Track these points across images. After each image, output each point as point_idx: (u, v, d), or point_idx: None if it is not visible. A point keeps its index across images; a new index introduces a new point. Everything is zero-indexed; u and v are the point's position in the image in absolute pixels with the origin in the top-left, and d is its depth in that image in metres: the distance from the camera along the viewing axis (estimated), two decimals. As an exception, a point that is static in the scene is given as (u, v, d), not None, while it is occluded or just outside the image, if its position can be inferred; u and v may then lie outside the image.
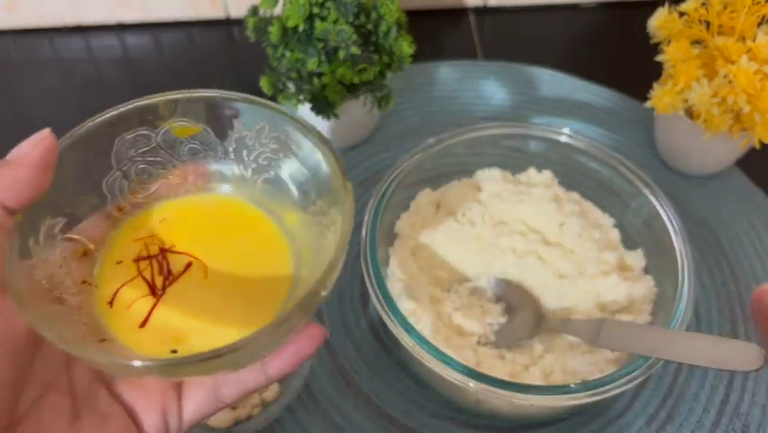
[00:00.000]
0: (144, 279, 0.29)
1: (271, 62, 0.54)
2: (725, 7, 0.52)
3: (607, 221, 0.52)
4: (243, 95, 0.30)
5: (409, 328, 0.40)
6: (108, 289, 0.28)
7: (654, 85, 0.55)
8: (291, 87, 0.53)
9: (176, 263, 0.29)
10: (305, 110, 0.54)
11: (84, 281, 0.28)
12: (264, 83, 0.54)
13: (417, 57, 0.55)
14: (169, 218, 0.31)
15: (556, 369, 0.44)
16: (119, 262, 0.29)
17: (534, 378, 0.43)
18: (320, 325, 0.27)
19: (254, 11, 0.53)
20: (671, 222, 0.47)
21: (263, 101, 0.30)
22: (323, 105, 0.52)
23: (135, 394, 0.27)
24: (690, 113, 0.54)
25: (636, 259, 0.50)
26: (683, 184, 0.59)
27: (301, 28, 0.50)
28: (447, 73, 0.68)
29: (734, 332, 0.50)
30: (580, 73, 0.68)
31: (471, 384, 0.38)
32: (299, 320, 0.25)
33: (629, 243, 0.51)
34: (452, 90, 0.67)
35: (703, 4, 0.53)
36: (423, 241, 0.50)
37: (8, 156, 0.25)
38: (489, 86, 0.67)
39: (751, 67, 0.49)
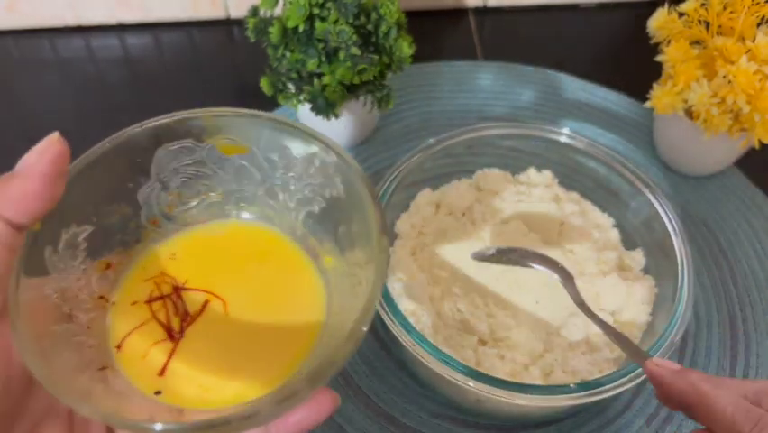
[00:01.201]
0: (159, 322, 0.27)
1: (271, 63, 0.54)
2: (724, 8, 0.52)
3: (606, 221, 0.53)
4: (299, 123, 0.28)
5: (409, 328, 0.40)
6: (119, 332, 0.26)
7: (654, 85, 0.55)
8: (291, 87, 0.53)
9: (193, 302, 0.27)
10: (305, 110, 0.54)
11: (101, 297, 0.27)
12: (264, 83, 0.54)
13: (417, 57, 0.55)
14: (181, 253, 0.29)
15: (556, 368, 0.44)
16: (134, 303, 0.27)
17: (534, 377, 0.43)
18: (331, 391, 0.25)
19: (254, 11, 0.53)
20: (670, 222, 0.47)
21: (318, 133, 0.28)
22: (323, 106, 0.52)
23: None
24: (689, 113, 0.54)
25: (636, 259, 0.50)
26: (683, 184, 0.59)
27: (301, 28, 0.50)
28: (447, 73, 0.68)
29: (733, 331, 0.50)
30: (580, 73, 0.68)
31: (471, 384, 0.38)
32: (308, 392, 0.23)
33: (629, 243, 0.51)
34: (452, 90, 0.67)
35: (703, 4, 0.53)
36: (423, 241, 0.50)
37: (16, 167, 0.23)
38: (489, 86, 0.68)
39: (750, 67, 0.49)
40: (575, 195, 0.54)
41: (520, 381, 0.43)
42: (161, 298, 0.27)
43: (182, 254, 0.29)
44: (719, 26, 0.53)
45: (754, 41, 0.50)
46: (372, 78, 0.53)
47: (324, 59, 0.51)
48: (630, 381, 0.39)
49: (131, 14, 0.73)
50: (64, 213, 0.25)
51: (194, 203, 0.30)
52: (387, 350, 0.48)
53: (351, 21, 0.50)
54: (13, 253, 0.23)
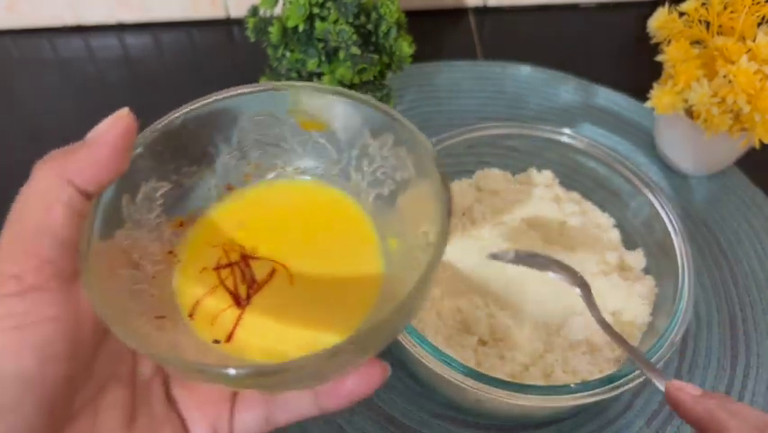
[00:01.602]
0: (227, 289, 0.27)
1: (271, 62, 0.54)
2: (725, 7, 0.52)
3: (607, 221, 0.52)
4: (378, 102, 0.28)
5: (409, 328, 0.40)
6: (189, 299, 0.27)
7: (654, 85, 0.55)
8: (291, 87, 0.53)
9: (259, 269, 0.28)
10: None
11: (170, 252, 0.28)
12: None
13: (417, 57, 0.55)
14: (249, 221, 0.29)
15: (556, 369, 0.44)
16: (203, 270, 0.28)
17: (534, 378, 0.43)
18: (382, 363, 0.25)
19: (254, 11, 0.53)
20: (671, 222, 0.47)
21: (396, 113, 0.27)
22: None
23: (189, 404, 0.26)
24: (689, 113, 0.54)
25: (637, 259, 0.50)
26: (683, 184, 0.59)
27: (301, 28, 0.50)
28: (447, 73, 0.68)
29: (733, 331, 0.50)
30: (580, 73, 0.68)
31: (471, 384, 0.38)
32: (353, 357, 0.23)
33: (629, 243, 0.51)
34: (452, 90, 0.67)
35: (703, 4, 0.53)
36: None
37: (86, 137, 0.24)
38: (489, 86, 0.67)
39: (751, 67, 0.49)
40: (575, 195, 0.54)
41: (520, 381, 0.43)
42: (229, 265, 0.28)
43: (250, 222, 0.30)
44: (720, 26, 0.53)
45: (754, 40, 0.50)
46: (372, 78, 0.53)
47: (323, 58, 0.51)
48: (631, 381, 0.39)
49: (130, 14, 0.73)
50: (146, 166, 0.26)
51: (270, 176, 0.31)
52: (387, 350, 0.48)
53: (351, 20, 0.50)
54: (81, 219, 0.24)
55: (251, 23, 0.52)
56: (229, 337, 0.26)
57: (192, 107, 0.27)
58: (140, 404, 0.25)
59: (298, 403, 0.26)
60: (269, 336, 0.26)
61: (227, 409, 0.26)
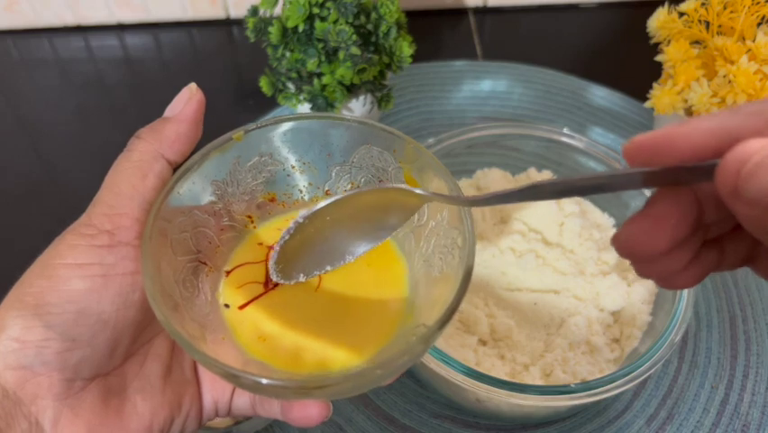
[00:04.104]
0: (266, 267, 0.30)
1: (271, 62, 0.54)
2: (724, 7, 0.52)
3: (606, 221, 0.52)
4: (464, 202, 0.29)
5: (409, 328, 0.40)
6: (236, 261, 0.30)
7: (654, 85, 0.55)
8: (291, 87, 0.53)
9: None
10: (304, 110, 0.54)
11: (249, 216, 0.31)
12: (264, 83, 0.54)
13: (417, 57, 0.55)
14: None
15: (556, 369, 0.44)
16: (260, 244, 0.31)
17: (533, 378, 0.43)
18: (326, 405, 0.28)
19: (254, 11, 0.53)
20: (670, 222, 0.47)
21: (470, 221, 0.29)
22: (323, 106, 0.52)
23: (207, 376, 0.30)
24: (689, 113, 0.54)
25: (636, 259, 0.50)
26: (683, 184, 0.59)
27: (301, 28, 0.50)
28: (447, 73, 0.68)
29: (733, 331, 0.50)
30: (580, 73, 0.68)
31: (471, 384, 0.38)
32: (375, 380, 0.25)
33: (629, 243, 0.51)
34: (452, 90, 0.67)
35: (703, 4, 0.53)
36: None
37: (165, 113, 0.28)
38: (489, 86, 0.68)
39: (751, 67, 0.49)
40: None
41: (520, 381, 0.43)
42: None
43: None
44: (719, 26, 0.53)
45: (754, 40, 0.50)
46: (372, 78, 0.53)
47: (323, 58, 0.51)
48: (630, 381, 0.39)
49: (130, 14, 0.73)
50: (272, 143, 0.29)
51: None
52: (387, 350, 0.48)
53: (350, 20, 0.50)
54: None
55: (250, 23, 0.52)
56: (242, 307, 0.29)
57: (336, 116, 0.30)
58: (175, 362, 0.29)
59: (271, 408, 0.30)
60: (267, 327, 0.28)
61: (230, 391, 0.30)
